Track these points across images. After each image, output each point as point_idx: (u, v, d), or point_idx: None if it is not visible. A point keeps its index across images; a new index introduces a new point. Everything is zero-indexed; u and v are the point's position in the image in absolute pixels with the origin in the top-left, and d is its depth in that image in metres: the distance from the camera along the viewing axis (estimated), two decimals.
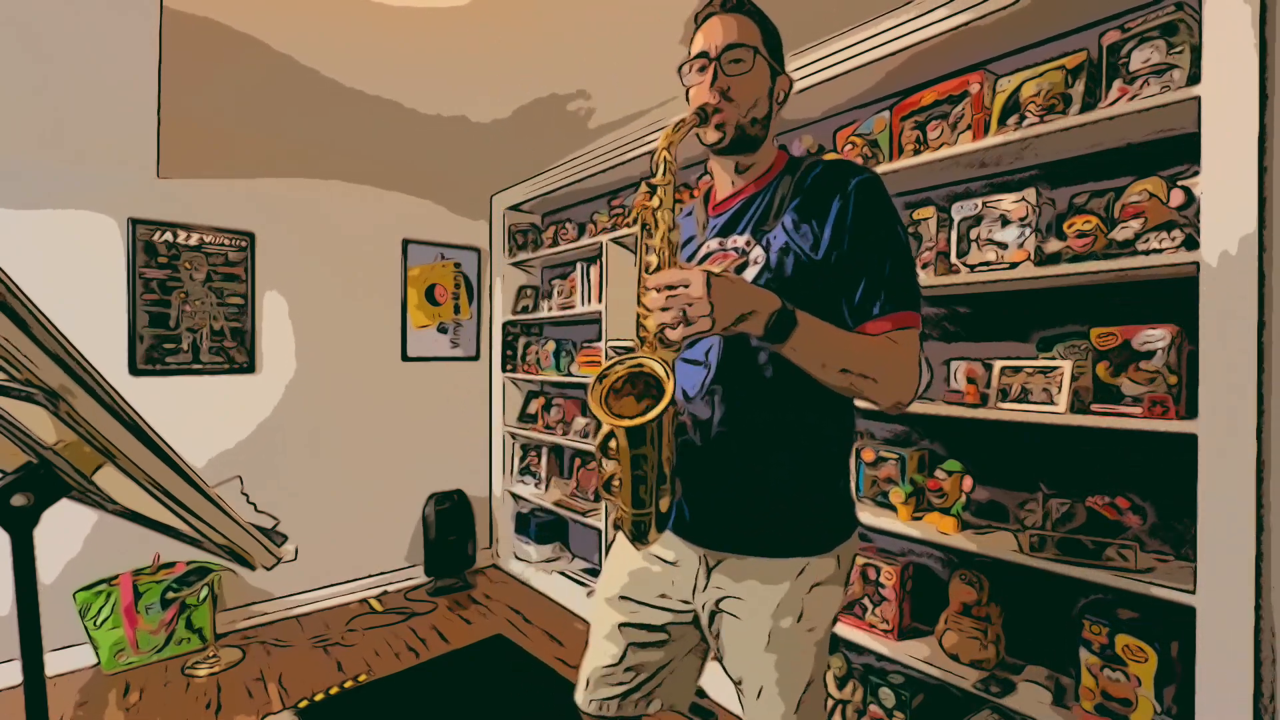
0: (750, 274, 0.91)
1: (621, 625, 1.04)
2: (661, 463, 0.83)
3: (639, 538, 0.89)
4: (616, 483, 0.85)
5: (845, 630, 1.73)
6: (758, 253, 0.92)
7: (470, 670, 2.35)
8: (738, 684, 0.97)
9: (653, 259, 0.83)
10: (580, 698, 1.09)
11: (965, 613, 1.55)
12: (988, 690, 1.42)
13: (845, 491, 0.99)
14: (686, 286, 0.74)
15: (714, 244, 0.99)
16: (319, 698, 2.13)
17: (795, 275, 0.89)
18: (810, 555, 0.92)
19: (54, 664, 2.26)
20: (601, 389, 0.79)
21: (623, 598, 1.05)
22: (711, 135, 0.94)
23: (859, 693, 1.78)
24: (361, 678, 2.27)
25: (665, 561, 1.01)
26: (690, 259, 1.03)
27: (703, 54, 0.93)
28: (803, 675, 0.92)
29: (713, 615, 0.97)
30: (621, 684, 1.05)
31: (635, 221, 0.86)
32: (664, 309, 0.75)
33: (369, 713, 2.07)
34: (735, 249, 0.95)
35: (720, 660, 1.00)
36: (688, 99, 0.97)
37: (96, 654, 2.28)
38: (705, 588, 0.97)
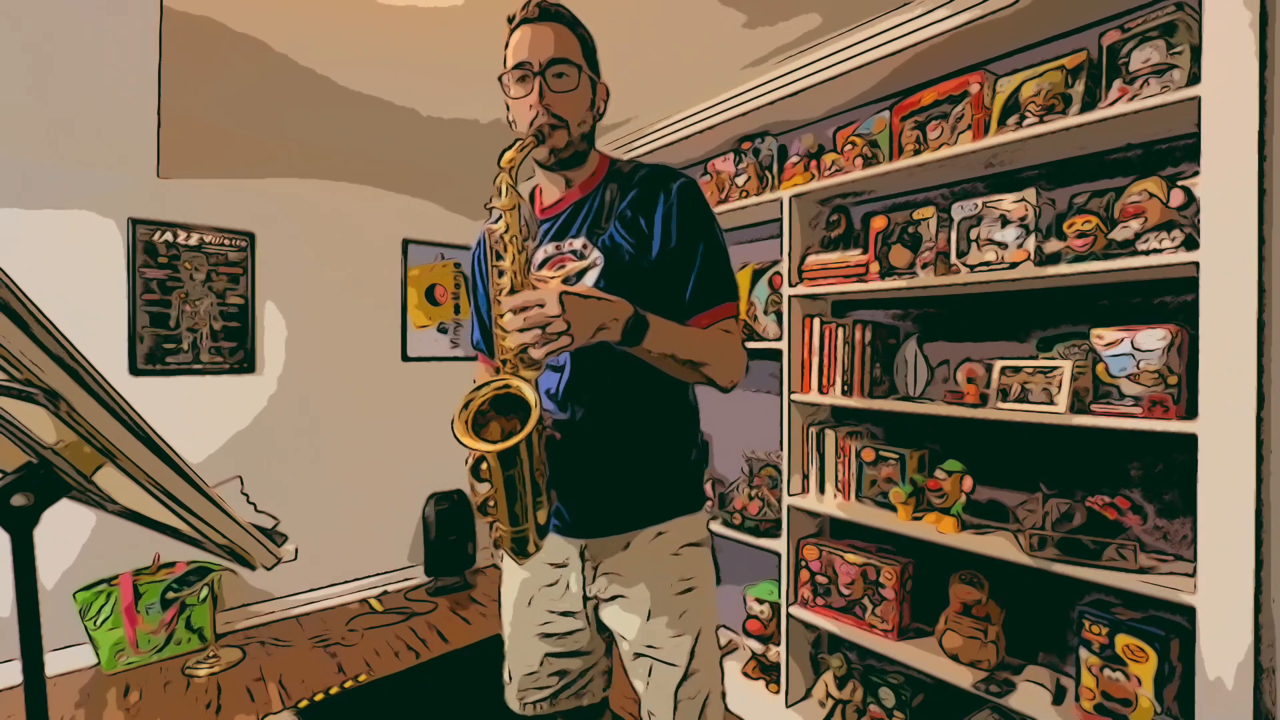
0: (591, 276, 0.96)
1: (532, 634, 1.07)
2: (534, 477, 0.85)
3: (520, 552, 0.91)
4: (492, 504, 0.87)
5: (845, 630, 1.73)
6: (595, 255, 0.96)
7: (470, 670, 2.35)
8: (635, 657, 1.01)
9: (505, 281, 0.85)
10: (509, 695, 1.12)
11: (965, 613, 1.55)
12: (988, 690, 1.42)
13: (698, 462, 1.08)
14: (542, 306, 0.76)
15: (550, 248, 1.02)
16: (319, 698, 2.13)
17: (631, 274, 0.95)
18: (669, 519, 1.00)
19: (54, 664, 2.26)
20: (467, 414, 0.81)
21: (528, 603, 1.08)
22: (543, 154, 0.97)
23: (859, 693, 1.78)
24: (361, 678, 2.27)
25: (555, 565, 1.05)
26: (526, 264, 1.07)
27: (524, 64, 0.93)
28: (691, 627, 0.98)
29: (606, 602, 1.02)
30: (547, 688, 1.08)
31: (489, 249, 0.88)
32: (522, 330, 0.77)
33: (369, 713, 2.07)
34: (573, 251, 0.99)
35: (618, 645, 1.04)
36: (507, 108, 0.98)
37: (96, 654, 2.28)
38: (594, 579, 1.02)
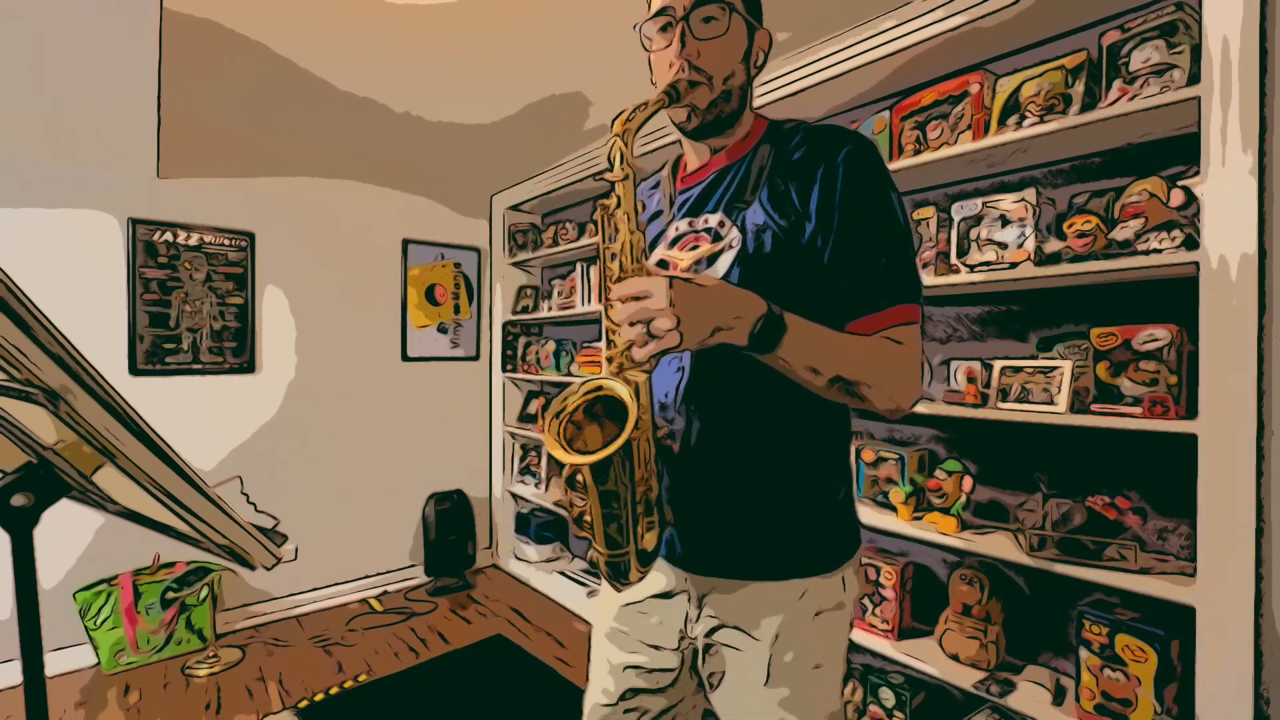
0: (725, 261, 0.81)
1: (617, 665, 0.93)
2: (635, 497, 0.73)
3: (617, 578, 0.78)
4: (587, 519, 0.76)
5: None
6: (733, 234, 0.81)
7: (470, 670, 2.35)
8: None
9: (615, 266, 0.72)
10: None
11: (965, 613, 1.55)
12: (988, 690, 1.42)
13: (846, 503, 0.87)
14: (649, 296, 0.63)
15: (684, 224, 0.88)
16: (319, 698, 2.13)
17: (775, 262, 0.78)
18: (810, 576, 0.81)
19: (54, 664, 2.26)
20: (560, 423, 0.71)
21: (621, 631, 0.93)
22: (681, 115, 0.83)
23: (859, 693, 1.78)
24: (361, 678, 2.27)
25: (656, 595, 0.90)
26: (657, 240, 0.92)
27: (666, 10, 0.79)
28: (807, 716, 0.80)
29: (707, 649, 0.86)
30: None
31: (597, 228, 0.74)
32: (631, 324, 0.65)
33: (369, 713, 2.07)
34: (708, 230, 0.84)
35: (709, 700, 0.89)
36: (650, 65, 0.85)
37: (96, 654, 2.27)
38: (698, 619, 0.85)
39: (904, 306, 0.76)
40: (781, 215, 0.78)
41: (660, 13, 0.80)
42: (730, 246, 0.81)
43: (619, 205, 0.72)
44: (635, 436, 0.71)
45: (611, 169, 0.72)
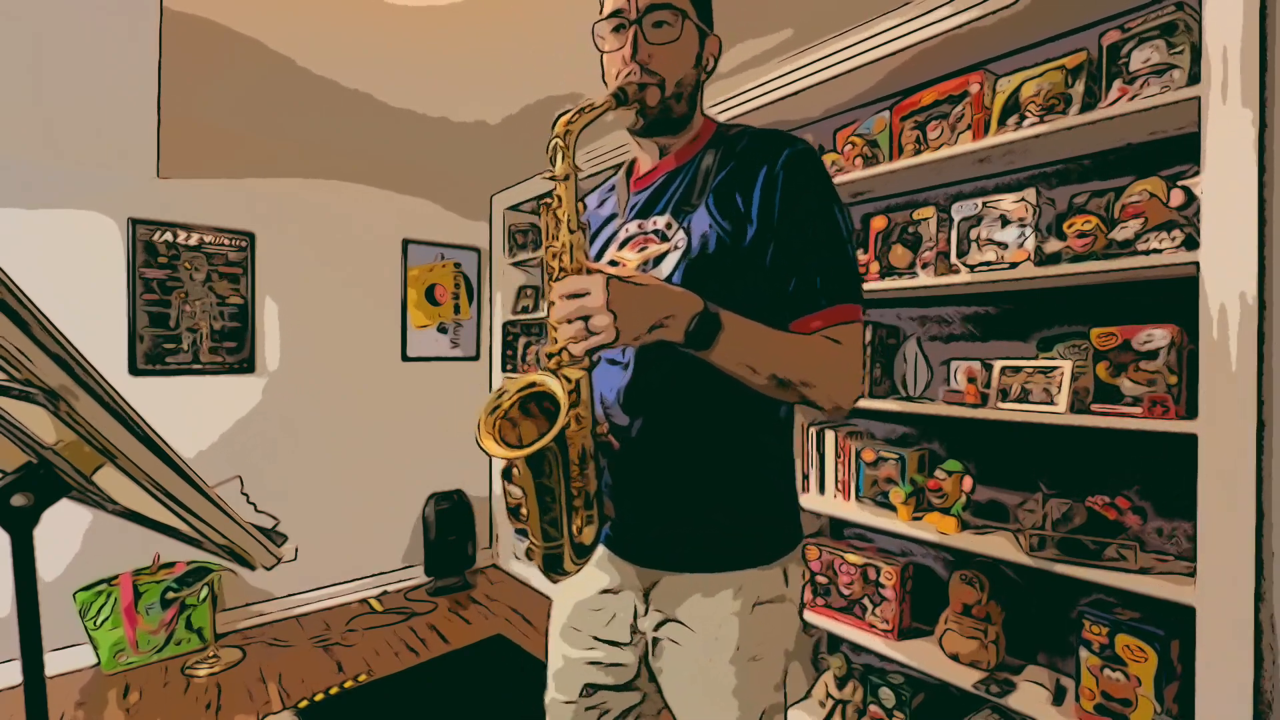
0: (669, 262, 0.82)
1: (574, 660, 0.93)
2: (570, 491, 0.74)
3: (553, 569, 0.79)
4: (524, 512, 0.76)
5: (845, 630, 1.73)
6: (679, 236, 0.82)
7: (470, 670, 2.35)
8: None
9: (555, 264, 0.73)
10: None
11: (965, 613, 1.55)
12: (988, 690, 1.42)
13: (787, 496, 0.88)
14: (586, 294, 0.65)
15: (633, 226, 0.89)
16: (319, 698, 2.13)
17: (718, 263, 0.79)
18: (747, 568, 0.82)
19: (54, 664, 2.26)
20: (494, 419, 0.72)
21: (574, 629, 0.94)
22: (631, 117, 0.84)
23: (859, 693, 1.78)
24: (361, 678, 2.27)
25: (605, 591, 0.90)
26: (608, 242, 0.93)
27: (619, 11, 0.80)
28: (748, 708, 0.80)
29: (654, 643, 0.87)
30: None
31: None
32: (569, 321, 0.66)
33: (369, 713, 2.07)
34: (655, 231, 0.85)
35: (661, 694, 0.90)
36: (602, 64, 0.86)
37: (96, 654, 2.28)
38: (646, 613, 0.86)
39: (843, 306, 0.77)
40: (725, 218, 0.80)
41: (614, 14, 0.82)
42: (675, 248, 0.82)
43: (560, 204, 0.73)
44: (571, 431, 0.72)
45: (554, 165, 0.73)
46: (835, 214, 0.79)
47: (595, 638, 0.91)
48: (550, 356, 0.73)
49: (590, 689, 0.92)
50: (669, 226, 0.84)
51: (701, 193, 0.83)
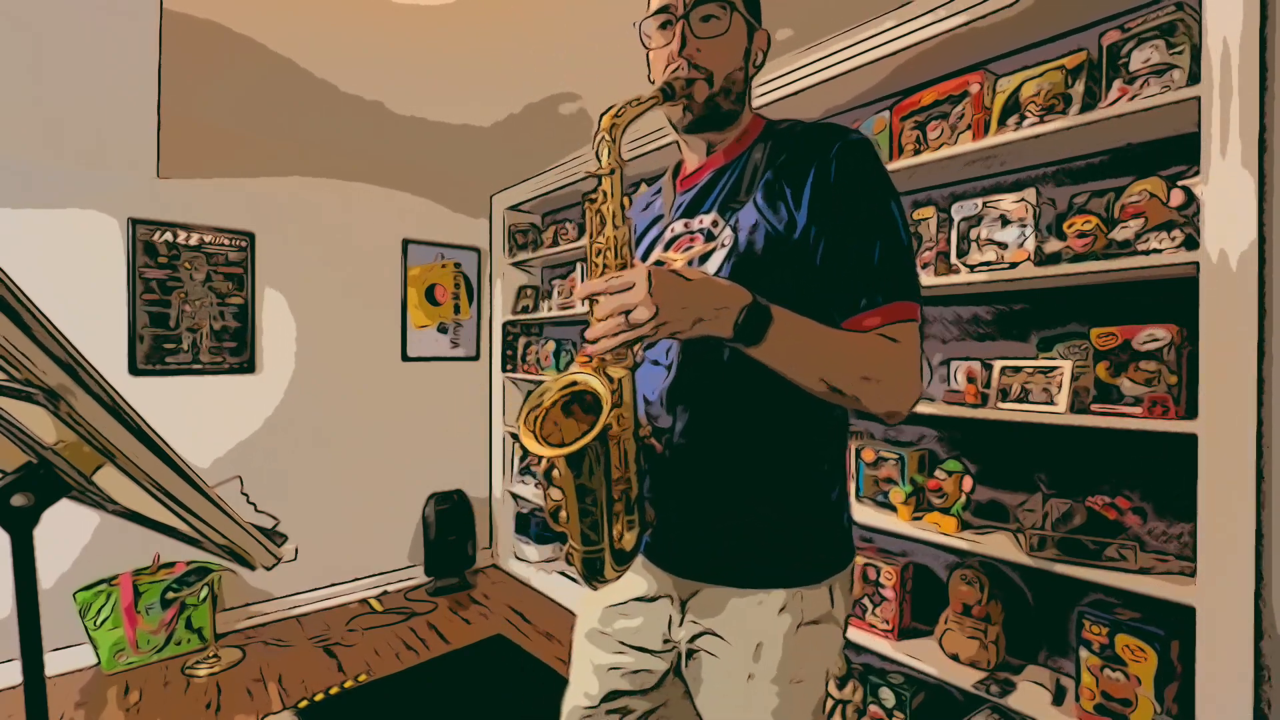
0: (716, 259, 0.79)
1: (600, 666, 0.91)
2: (612, 494, 0.72)
3: (592, 575, 0.76)
4: (564, 515, 0.74)
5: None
6: (726, 233, 0.80)
7: (470, 670, 2.35)
8: None
9: (599, 261, 0.72)
10: None
11: (965, 613, 1.55)
12: (988, 690, 1.42)
13: (838, 509, 0.83)
14: (630, 289, 0.63)
15: (679, 225, 0.87)
16: (319, 698, 2.13)
17: (767, 260, 0.76)
18: (795, 586, 0.78)
19: (54, 664, 2.26)
20: (536, 416, 0.70)
21: (602, 633, 0.92)
22: (677, 113, 0.82)
23: (859, 693, 1.78)
24: (361, 678, 2.27)
25: (639, 598, 0.88)
26: (654, 243, 0.91)
27: (666, 8, 0.79)
28: None
29: (689, 655, 0.84)
30: None
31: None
32: (606, 316, 0.64)
33: (369, 713, 2.07)
34: (701, 230, 0.83)
35: (694, 706, 0.87)
36: (648, 61, 0.85)
37: (96, 654, 2.27)
38: (681, 623, 0.84)
39: (901, 304, 0.73)
40: (775, 213, 0.77)
41: (660, 10, 0.80)
42: (722, 245, 0.79)
43: (604, 200, 0.71)
44: (614, 433, 0.70)
45: (599, 162, 0.71)
46: (891, 208, 0.75)
47: (623, 643, 0.89)
48: (591, 357, 0.70)
49: (614, 694, 0.90)
50: (715, 224, 0.82)
51: (750, 188, 0.80)
